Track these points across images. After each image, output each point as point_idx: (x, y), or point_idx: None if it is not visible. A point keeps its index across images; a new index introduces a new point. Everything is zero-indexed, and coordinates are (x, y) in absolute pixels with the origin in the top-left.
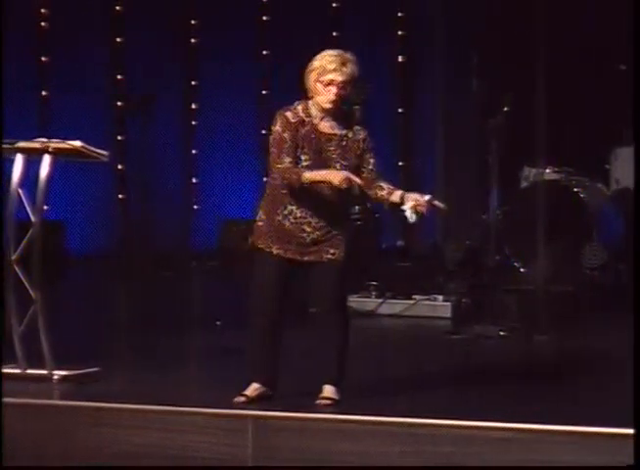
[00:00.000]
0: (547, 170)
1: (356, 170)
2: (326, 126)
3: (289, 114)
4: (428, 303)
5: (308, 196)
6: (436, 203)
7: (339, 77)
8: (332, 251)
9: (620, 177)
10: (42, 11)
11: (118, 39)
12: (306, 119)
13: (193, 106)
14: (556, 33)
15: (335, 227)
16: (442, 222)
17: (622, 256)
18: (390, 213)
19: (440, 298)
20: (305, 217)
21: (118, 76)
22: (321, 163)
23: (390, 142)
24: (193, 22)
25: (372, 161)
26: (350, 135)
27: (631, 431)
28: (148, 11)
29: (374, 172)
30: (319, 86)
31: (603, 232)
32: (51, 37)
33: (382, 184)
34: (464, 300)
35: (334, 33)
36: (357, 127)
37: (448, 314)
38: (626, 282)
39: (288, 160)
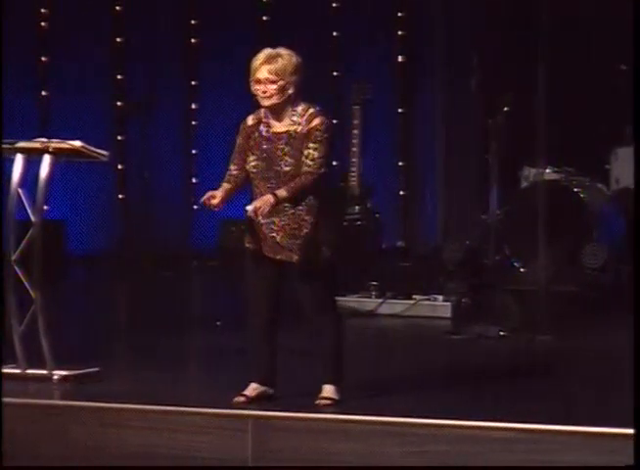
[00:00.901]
0: (547, 170)
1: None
2: (279, 125)
3: (250, 117)
4: (428, 303)
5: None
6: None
7: (262, 74)
8: (299, 252)
9: (620, 177)
10: (42, 11)
11: (118, 39)
12: (264, 120)
13: (193, 106)
14: (556, 33)
15: (299, 228)
16: (442, 222)
17: (623, 256)
18: (391, 214)
19: (440, 298)
20: (270, 217)
21: (118, 76)
22: (266, 161)
23: (390, 142)
24: (193, 22)
25: (305, 151)
26: (299, 129)
27: (631, 431)
28: (148, 11)
29: (304, 164)
30: (251, 87)
31: (603, 232)
32: (51, 37)
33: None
34: (464, 300)
35: (334, 33)
36: (305, 122)
37: (448, 314)
38: (626, 282)
39: (230, 168)
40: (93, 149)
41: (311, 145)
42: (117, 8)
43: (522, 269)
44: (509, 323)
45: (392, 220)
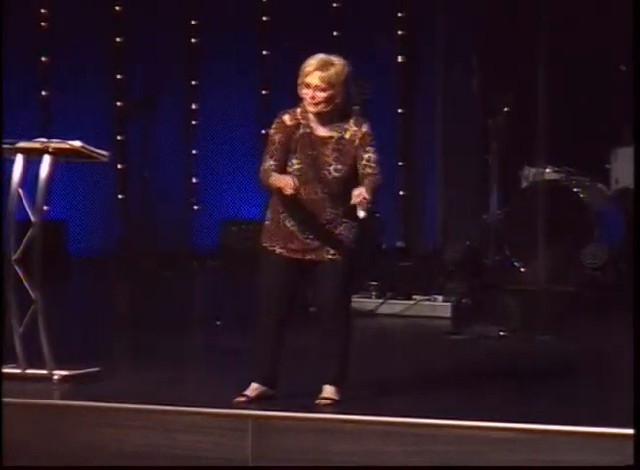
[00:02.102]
0: (547, 170)
1: (355, 169)
2: (323, 129)
3: (286, 116)
4: (428, 303)
5: (298, 204)
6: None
7: (313, 81)
8: (332, 251)
9: (620, 177)
10: (42, 11)
11: (118, 39)
12: (303, 122)
13: (193, 106)
14: (556, 33)
15: (335, 228)
16: (442, 222)
17: (623, 255)
18: (391, 214)
19: (440, 298)
20: (305, 219)
21: (118, 76)
22: (313, 166)
23: (390, 142)
24: (193, 22)
25: (365, 155)
26: (348, 136)
27: (631, 431)
28: (148, 11)
29: (367, 167)
30: (300, 89)
31: (603, 232)
32: (51, 37)
33: (364, 184)
34: (464, 300)
35: (334, 33)
36: (355, 128)
37: (448, 314)
38: (627, 282)
39: (270, 162)
40: (93, 149)
41: (369, 148)
42: (117, 8)
43: (522, 269)
44: (509, 323)
45: (392, 220)
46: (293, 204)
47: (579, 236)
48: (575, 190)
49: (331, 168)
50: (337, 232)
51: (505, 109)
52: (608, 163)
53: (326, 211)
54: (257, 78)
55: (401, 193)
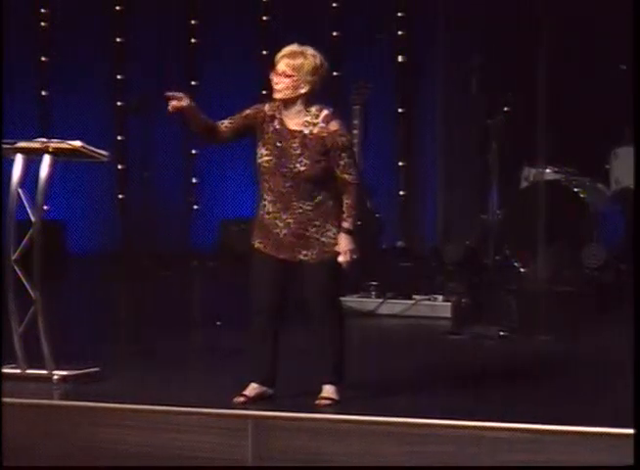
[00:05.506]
0: (547, 170)
1: (323, 167)
2: (293, 122)
3: (268, 105)
4: (428, 303)
5: (276, 190)
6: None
7: (280, 67)
8: (304, 252)
9: (620, 177)
10: (42, 11)
11: (118, 39)
12: (278, 116)
13: None
14: (556, 33)
15: (310, 228)
16: (442, 222)
17: (623, 255)
18: (391, 214)
19: (440, 298)
20: (277, 212)
21: (118, 76)
22: (280, 158)
23: (390, 142)
24: (193, 22)
25: (342, 162)
26: (315, 131)
27: (631, 431)
28: (148, 11)
29: (344, 173)
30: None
31: (603, 232)
32: (51, 37)
33: (345, 204)
34: (464, 300)
35: (334, 33)
36: (322, 124)
37: (448, 314)
38: (627, 282)
39: (226, 121)
40: (93, 149)
41: (344, 154)
42: (117, 8)
43: (522, 269)
44: (509, 323)
45: (392, 220)
46: (266, 196)
47: (579, 236)
48: (575, 190)
49: (297, 163)
50: (311, 233)
51: (505, 109)
52: (608, 162)
53: (292, 204)
54: (257, 78)
55: (401, 193)
